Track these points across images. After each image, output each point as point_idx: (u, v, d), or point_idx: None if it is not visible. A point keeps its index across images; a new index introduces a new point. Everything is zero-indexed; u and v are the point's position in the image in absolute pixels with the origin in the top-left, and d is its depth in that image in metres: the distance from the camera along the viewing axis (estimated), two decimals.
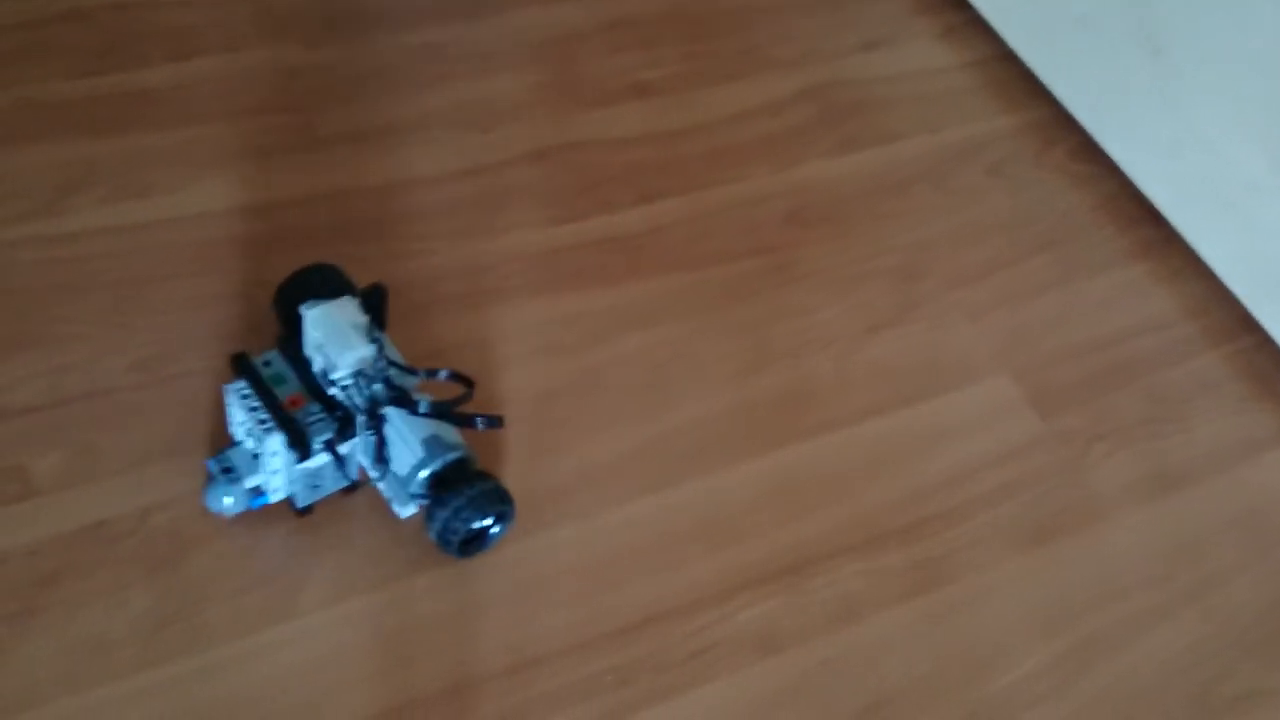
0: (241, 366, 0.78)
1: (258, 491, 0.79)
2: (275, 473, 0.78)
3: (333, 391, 0.77)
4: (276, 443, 0.75)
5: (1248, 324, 1.09)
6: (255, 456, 0.78)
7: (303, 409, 0.77)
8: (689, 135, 1.13)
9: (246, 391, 0.77)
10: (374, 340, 0.76)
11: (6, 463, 0.82)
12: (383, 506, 0.84)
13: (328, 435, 0.76)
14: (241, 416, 0.77)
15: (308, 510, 0.83)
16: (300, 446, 0.75)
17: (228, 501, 0.78)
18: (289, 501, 0.82)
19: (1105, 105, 1.16)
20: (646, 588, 0.85)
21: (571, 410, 0.92)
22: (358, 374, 0.76)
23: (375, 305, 0.83)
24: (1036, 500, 0.95)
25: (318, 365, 0.77)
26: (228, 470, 0.78)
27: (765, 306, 1.02)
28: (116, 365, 0.87)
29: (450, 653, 0.80)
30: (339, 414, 0.77)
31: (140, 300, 0.91)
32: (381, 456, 0.79)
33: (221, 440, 0.85)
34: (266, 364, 0.78)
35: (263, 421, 0.75)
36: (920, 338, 1.02)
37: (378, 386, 0.77)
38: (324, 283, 0.85)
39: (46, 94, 1.01)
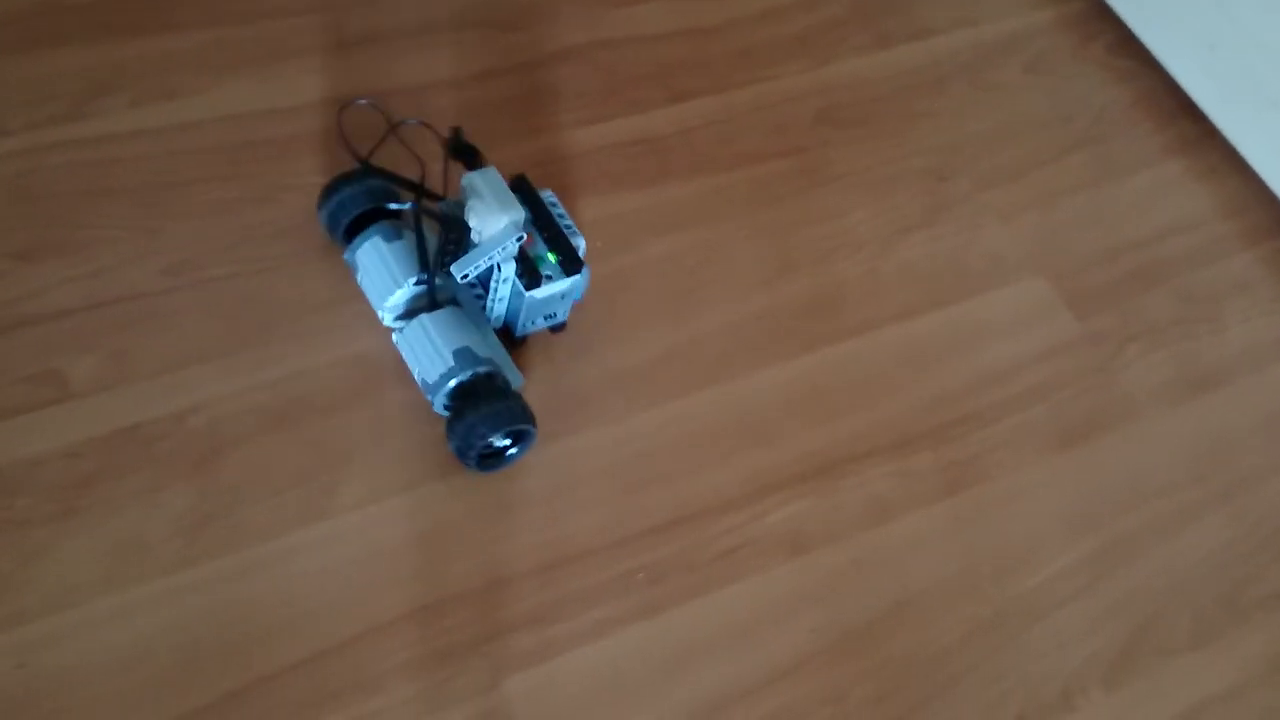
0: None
1: None
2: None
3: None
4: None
5: None
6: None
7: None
8: (719, 32, 1.11)
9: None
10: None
11: (42, 367, 0.83)
12: (416, 408, 0.85)
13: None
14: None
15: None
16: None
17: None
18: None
19: None
20: (676, 489, 0.85)
21: (600, 314, 0.92)
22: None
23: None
24: (1068, 401, 0.94)
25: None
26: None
27: (795, 209, 1.01)
28: (148, 269, 0.88)
29: (484, 551, 0.81)
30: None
31: (169, 204, 0.91)
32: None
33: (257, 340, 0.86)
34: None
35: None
36: (952, 239, 1.01)
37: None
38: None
39: None
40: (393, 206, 0.86)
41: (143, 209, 0.90)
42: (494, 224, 0.78)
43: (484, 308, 0.85)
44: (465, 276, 0.78)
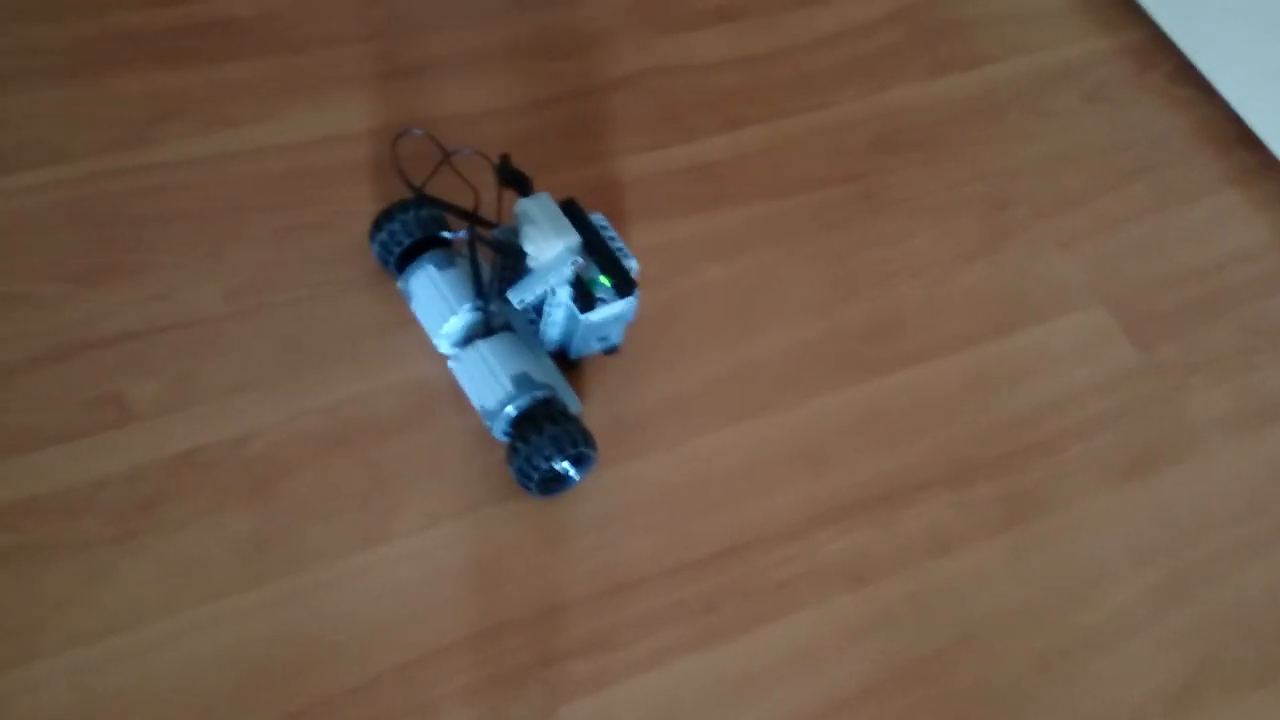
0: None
1: None
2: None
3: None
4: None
5: None
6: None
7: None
8: (775, 59, 1.11)
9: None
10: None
11: (105, 389, 0.83)
12: (472, 433, 0.85)
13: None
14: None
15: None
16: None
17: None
18: None
19: (1204, 27, 1.11)
20: (733, 517, 0.85)
21: (657, 339, 0.91)
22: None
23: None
24: (1131, 432, 0.93)
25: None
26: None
27: (853, 234, 1.00)
28: (208, 294, 0.88)
29: (540, 577, 0.80)
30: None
31: (229, 230, 0.92)
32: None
33: (317, 368, 0.86)
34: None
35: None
36: (1012, 266, 1.00)
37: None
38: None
39: (132, 24, 1.02)
40: (445, 235, 0.87)
41: (203, 235, 0.91)
42: (550, 249, 0.78)
43: (537, 332, 0.85)
44: (522, 302, 0.78)
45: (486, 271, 0.83)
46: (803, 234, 0.99)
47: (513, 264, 0.81)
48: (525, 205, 0.79)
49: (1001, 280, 0.99)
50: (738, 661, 0.79)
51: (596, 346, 0.87)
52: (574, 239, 0.78)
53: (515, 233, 0.80)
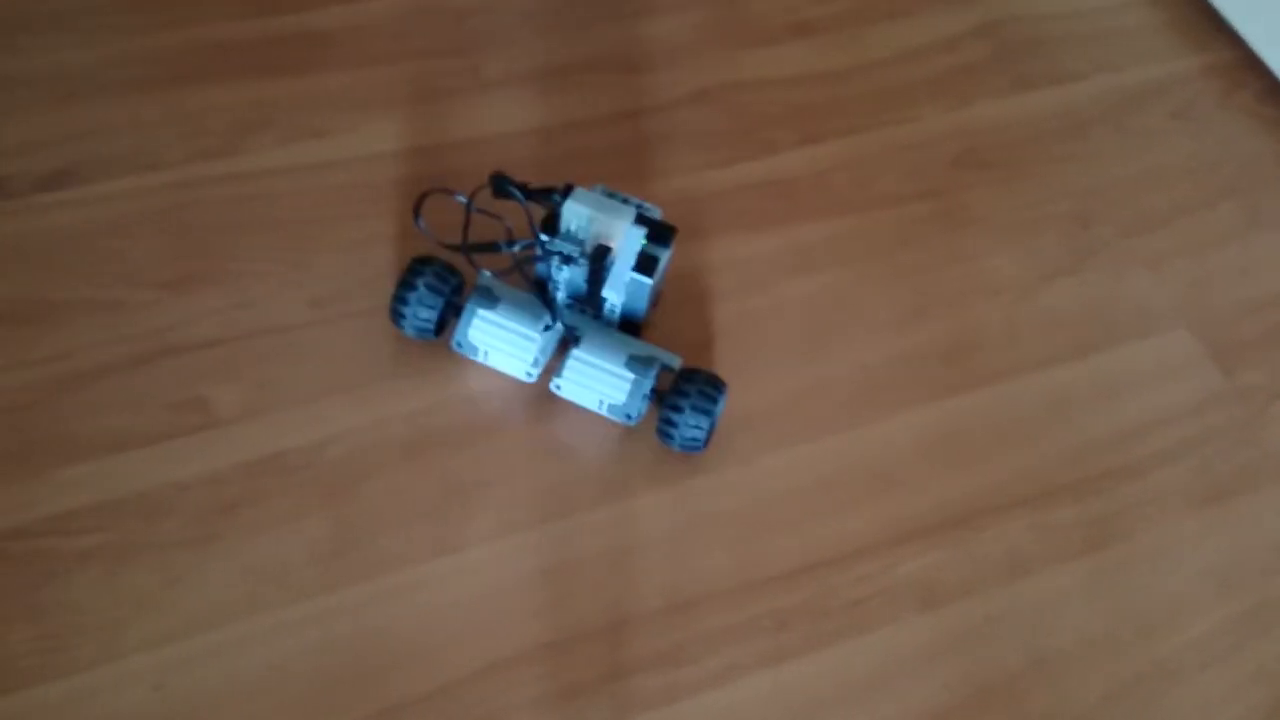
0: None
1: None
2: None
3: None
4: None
5: None
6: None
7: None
8: (854, 74, 1.10)
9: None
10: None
11: (189, 394, 0.85)
12: (544, 445, 0.85)
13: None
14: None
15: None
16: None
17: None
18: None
19: None
20: (806, 535, 0.84)
21: (730, 355, 0.91)
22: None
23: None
24: (1215, 458, 0.91)
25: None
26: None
27: (931, 252, 0.99)
28: (293, 302, 0.90)
29: (610, 590, 0.81)
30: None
31: (315, 239, 0.93)
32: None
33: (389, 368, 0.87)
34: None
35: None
36: (1095, 287, 0.99)
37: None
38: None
39: (223, 35, 1.04)
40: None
41: (290, 243, 0.93)
42: (620, 228, 0.80)
43: (595, 317, 0.87)
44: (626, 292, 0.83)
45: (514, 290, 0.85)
46: (880, 251, 0.99)
47: (605, 261, 0.82)
48: (571, 207, 0.81)
49: (1083, 301, 0.98)
50: (808, 681, 0.79)
51: (646, 305, 0.87)
52: (630, 210, 0.81)
53: (578, 242, 0.82)
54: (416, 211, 0.84)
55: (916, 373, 0.92)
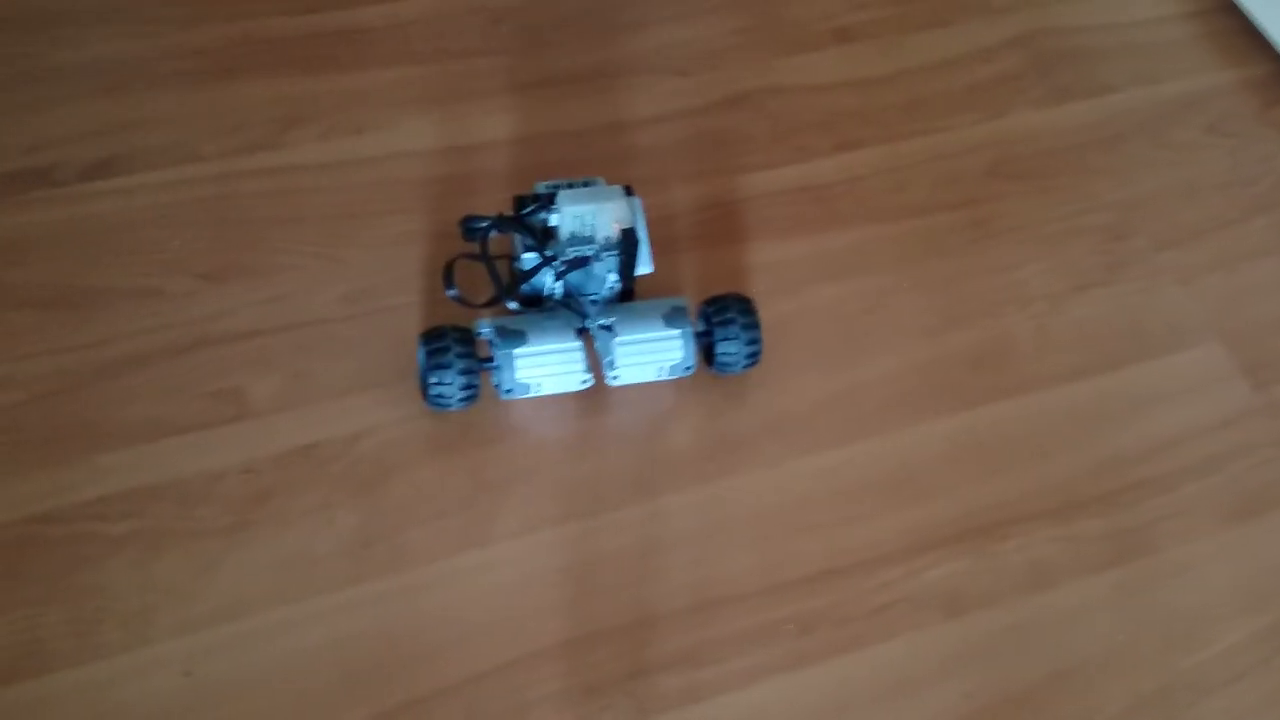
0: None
1: None
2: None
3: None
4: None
5: None
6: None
7: None
8: (891, 82, 1.10)
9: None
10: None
11: (225, 384, 0.86)
12: (572, 443, 0.86)
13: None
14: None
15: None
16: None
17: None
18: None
19: None
20: (831, 539, 0.85)
21: (762, 358, 0.92)
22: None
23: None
24: (1244, 473, 0.91)
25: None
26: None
27: (964, 261, 0.99)
28: (329, 296, 0.91)
29: (634, 589, 0.81)
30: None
31: (352, 235, 0.94)
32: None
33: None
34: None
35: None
36: (1127, 299, 0.99)
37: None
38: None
39: (268, 30, 1.05)
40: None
41: (327, 238, 0.94)
42: (622, 207, 0.82)
43: (609, 296, 0.87)
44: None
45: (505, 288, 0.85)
46: (913, 259, 0.99)
47: (636, 251, 0.84)
48: (565, 207, 0.82)
49: (1116, 313, 0.98)
50: (829, 686, 0.79)
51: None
52: (616, 188, 0.83)
53: (593, 244, 0.83)
54: (449, 280, 0.84)
55: (945, 381, 0.93)
